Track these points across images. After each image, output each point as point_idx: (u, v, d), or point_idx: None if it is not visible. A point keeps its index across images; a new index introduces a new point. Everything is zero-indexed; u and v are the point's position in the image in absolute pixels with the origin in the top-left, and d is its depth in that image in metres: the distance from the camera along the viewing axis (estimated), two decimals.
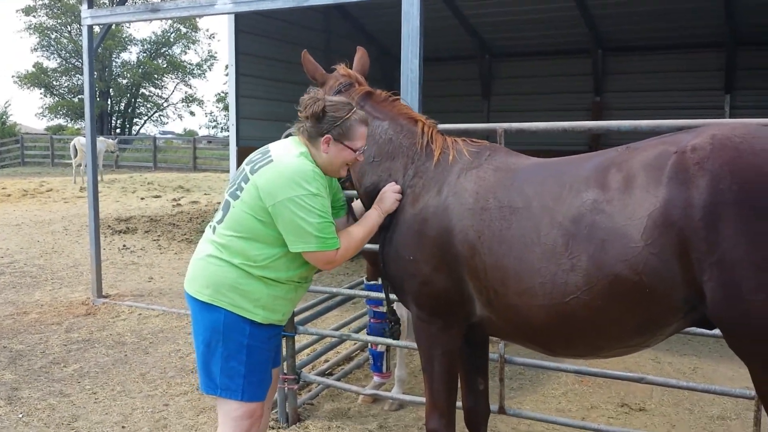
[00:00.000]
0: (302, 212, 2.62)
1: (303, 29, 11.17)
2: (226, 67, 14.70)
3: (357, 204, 3.21)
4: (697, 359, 5.80)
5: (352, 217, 3.11)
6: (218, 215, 2.83)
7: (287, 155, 2.74)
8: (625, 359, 5.27)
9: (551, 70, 12.60)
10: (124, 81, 46.72)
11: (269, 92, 10.75)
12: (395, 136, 3.00)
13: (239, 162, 9.86)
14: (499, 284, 2.53)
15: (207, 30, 55.49)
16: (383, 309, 4.70)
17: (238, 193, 2.75)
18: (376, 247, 3.99)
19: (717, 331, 2.76)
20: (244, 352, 2.74)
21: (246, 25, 10.12)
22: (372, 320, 4.78)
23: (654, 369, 5.49)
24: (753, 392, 3.17)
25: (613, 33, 11.86)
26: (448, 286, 2.71)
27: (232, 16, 9.10)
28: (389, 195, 2.87)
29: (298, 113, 2.80)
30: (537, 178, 2.57)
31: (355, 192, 3.29)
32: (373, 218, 2.87)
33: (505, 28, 12.01)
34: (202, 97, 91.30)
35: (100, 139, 21.26)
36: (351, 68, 3.28)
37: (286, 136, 2.97)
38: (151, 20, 11.31)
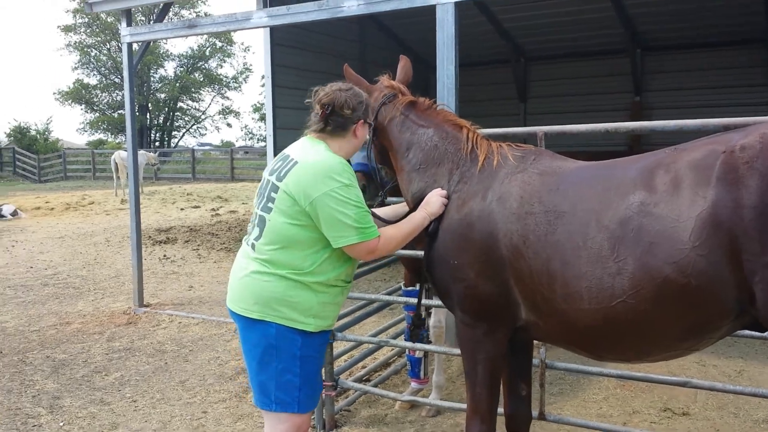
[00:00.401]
0: (339, 206, 2.62)
1: (338, 40, 11.21)
2: (262, 77, 14.85)
3: (384, 209, 3.25)
4: (743, 362, 5.63)
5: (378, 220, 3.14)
6: (255, 232, 2.79)
7: (311, 153, 2.74)
8: (669, 363, 5.14)
9: (587, 72, 12.43)
10: (162, 95, 47.59)
11: (305, 102, 10.81)
12: (440, 142, 3.02)
13: None
14: (545, 288, 2.50)
15: (242, 43, 56.47)
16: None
17: (270, 205, 2.74)
18: (414, 253, 4.02)
19: (765, 333, 2.69)
20: (297, 364, 2.73)
21: (281, 38, 10.20)
22: (409, 326, 4.74)
23: (699, 372, 5.34)
24: None
25: (651, 32, 11.65)
26: (493, 290, 2.68)
27: (268, 29, 9.19)
28: (435, 199, 2.87)
29: (325, 110, 2.76)
30: (582, 182, 2.53)
31: (401, 199, 3.31)
32: (418, 218, 2.86)
33: (539, 31, 11.89)
34: (239, 109, 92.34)
35: (141, 152, 21.72)
36: (394, 79, 3.32)
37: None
38: (188, 36, 11.49)
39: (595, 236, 2.36)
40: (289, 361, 2.72)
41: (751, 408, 4.59)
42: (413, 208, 3.03)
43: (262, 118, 40.97)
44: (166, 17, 11.55)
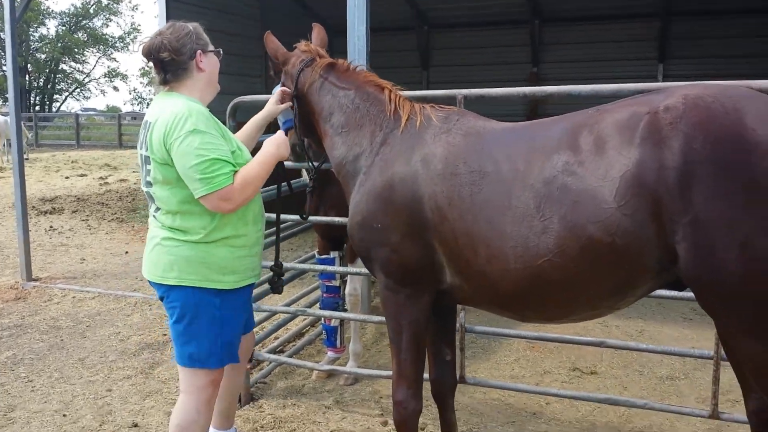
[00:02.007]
0: (184, 158, 2.58)
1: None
2: None
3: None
4: (643, 322, 5.94)
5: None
6: (151, 206, 2.81)
7: (164, 108, 2.68)
8: (575, 325, 5.34)
9: (489, 41, 12.59)
10: (43, 56, 44.35)
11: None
12: (362, 104, 2.97)
13: None
14: (470, 250, 2.48)
15: (129, 1, 53.25)
16: (336, 283, 4.61)
17: (148, 179, 2.73)
18: (329, 219, 3.93)
19: (660, 292, 2.81)
20: (217, 324, 2.76)
21: None
22: (325, 295, 4.66)
23: (603, 332, 5.59)
24: (707, 352, 3.25)
25: (550, 3, 11.93)
26: (417, 254, 2.64)
27: None
28: (282, 139, 2.93)
29: (157, 61, 2.73)
30: (507, 142, 2.52)
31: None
32: (269, 154, 2.83)
33: None
34: (126, 72, 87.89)
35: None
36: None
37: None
38: None
39: (520, 195, 2.37)
40: (208, 321, 2.75)
41: (654, 366, 4.85)
42: (339, 172, 2.96)
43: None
44: None
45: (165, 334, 5.51)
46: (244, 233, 2.82)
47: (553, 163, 2.33)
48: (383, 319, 3.13)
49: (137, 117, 38.23)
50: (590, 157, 2.27)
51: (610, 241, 2.22)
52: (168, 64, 2.74)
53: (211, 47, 2.85)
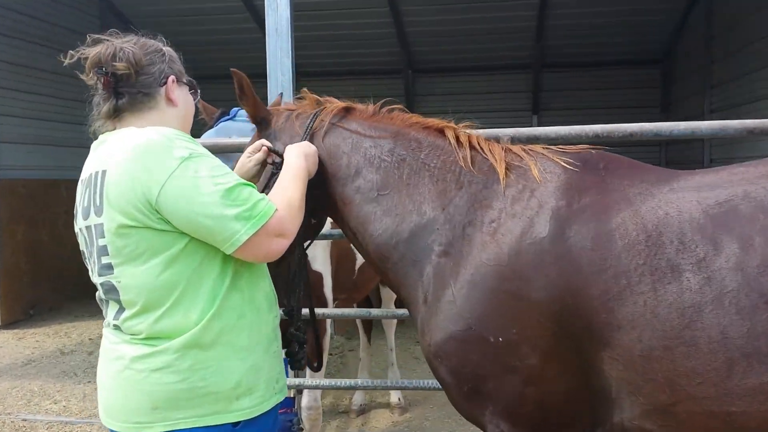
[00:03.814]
0: (193, 197, 1.67)
1: (73, 34, 9.09)
2: None
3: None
4: None
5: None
6: (110, 310, 1.83)
7: (119, 147, 1.75)
8: None
9: (363, 91, 11.87)
10: None
11: (30, 109, 8.63)
12: (410, 155, 2.03)
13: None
14: (678, 377, 1.53)
15: None
16: (290, 393, 3.38)
17: (107, 260, 1.75)
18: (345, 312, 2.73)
19: None
20: None
21: None
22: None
23: None
24: None
25: (424, 53, 11.56)
26: (571, 383, 1.65)
27: None
28: (310, 149, 2.04)
29: (107, 76, 1.80)
30: (726, 209, 1.60)
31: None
32: (300, 168, 1.94)
33: (318, 45, 11.04)
34: None
35: None
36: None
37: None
38: None
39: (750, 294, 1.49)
40: None
41: None
42: (389, 261, 1.97)
43: None
44: None
45: None
46: (256, 323, 1.84)
47: None
48: None
49: None
50: None
51: None
52: (124, 84, 1.81)
53: (186, 79, 1.98)
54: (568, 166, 1.79)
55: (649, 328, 1.52)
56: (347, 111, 2.16)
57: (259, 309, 1.85)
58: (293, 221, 1.80)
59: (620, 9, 9.59)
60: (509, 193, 1.78)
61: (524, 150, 1.91)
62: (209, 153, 1.76)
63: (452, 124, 2.06)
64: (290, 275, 2.20)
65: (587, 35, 10.52)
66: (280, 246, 1.76)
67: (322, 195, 2.06)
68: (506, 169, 1.85)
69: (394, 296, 4.68)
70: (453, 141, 1.97)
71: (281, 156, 2.00)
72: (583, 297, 1.59)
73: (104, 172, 1.72)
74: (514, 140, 2.51)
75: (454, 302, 1.71)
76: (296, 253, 2.14)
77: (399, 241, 1.91)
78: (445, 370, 1.75)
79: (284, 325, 2.10)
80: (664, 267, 1.54)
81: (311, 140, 2.09)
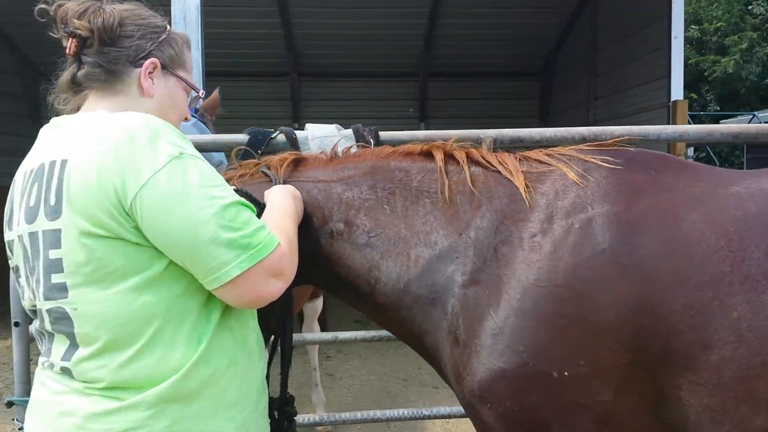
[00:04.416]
0: (178, 209, 1.30)
1: None
2: None
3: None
4: None
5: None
6: (57, 346, 1.39)
7: (78, 135, 1.37)
8: None
9: (250, 93, 11.37)
10: None
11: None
12: (399, 186, 1.74)
13: None
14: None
15: None
16: None
17: (59, 280, 1.33)
18: None
19: None
20: None
21: None
22: None
23: None
24: None
25: (311, 57, 11.26)
26: (644, 419, 1.47)
27: None
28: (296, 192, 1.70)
29: (74, 36, 1.45)
30: None
31: None
32: (291, 207, 1.60)
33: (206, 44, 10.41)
34: None
35: None
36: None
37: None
38: None
39: None
40: None
41: None
42: (400, 308, 1.67)
43: None
44: None
45: None
46: (249, 372, 1.47)
47: None
48: None
49: None
50: None
51: None
52: (87, 51, 1.46)
53: (182, 73, 1.60)
54: (610, 166, 1.60)
55: (745, 344, 1.36)
56: (297, 162, 1.84)
57: (251, 354, 1.50)
58: (293, 261, 1.45)
59: (507, 22, 9.86)
60: (546, 201, 1.57)
61: (547, 154, 1.71)
62: (201, 156, 1.40)
63: (438, 143, 1.80)
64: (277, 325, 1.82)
65: (473, 46, 10.73)
66: (274, 289, 1.39)
67: (302, 262, 1.59)
68: (532, 176, 1.64)
69: (318, 311, 4.37)
70: (439, 164, 1.72)
71: (260, 204, 1.62)
72: (661, 315, 1.40)
73: (64, 162, 1.33)
74: (497, 142, 2.32)
75: (501, 335, 1.47)
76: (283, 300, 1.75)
77: (409, 281, 1.63)
78: (494, 415, 1.50)
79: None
80: (755, 274, 1.39)
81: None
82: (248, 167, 1.82)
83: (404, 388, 5.40)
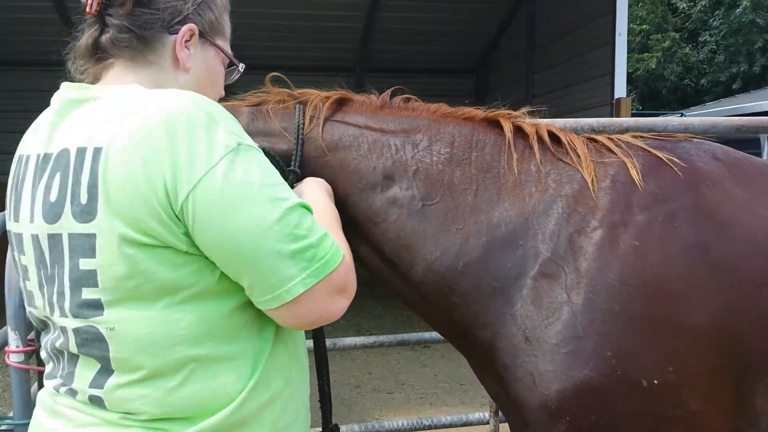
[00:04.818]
0: (234, 203, 1.08)
1: None
2: None
3: None
4: None
5: None
6: (81, 372, 1.15)
7: (120, 119, 1.10)
8: None
9: None
10: None
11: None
12: (458, 153, 1.55)
13: None
14: None
15: None
16: None
17: (95, 297, 1.10)
18: None
19: None
20: None
21: None
22: None
23: None
24: None
25: (244, 48, 10.76)
26: (721, 426, 1.37)
27: None
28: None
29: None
30: None
31: None
32: (329, 205, 1.40)
33: None
34: None
35: None
36: None
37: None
38: None
39: None
40: None
41: None
42: (438, 292, 1.49)
43: None
44: None
45: None
46: (300, 391, 1.29)
47: None
48: None
49: None
50: None
51: None
52: (114, 12, 1.20)
53: (221, 42, 1.34)
54: (680, 160, 1.48)
55: None
56: (341, 102, 1.66)
57: (302, 368, 1.30)
58: (353, 273, 1.24)
59: (445, 17, 9.81)
60: (624, 191, 1.43)
61: (612, 140, 1.57)
62: (257, 146, 1.17)
63: (503, 112, 1.65)
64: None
65: (410, 41, 10.64)
66: (339, 308, 1.19)
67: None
68: (604, 163, 1.50)
69: None
70: (508, 134, 1.56)
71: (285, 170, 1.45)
72: (748, 316, 1.30)
73: (98, 150, 1.08)
74: None
75: (585, 338, 1.31)
76: None
77: (469, 262, 1.45)
78: (572, 429, 1.34)
79: None
80: None
81: (303, 145, 1.54)
82: (281, 95, 1.63)
83: (358, 395, 5.22)
